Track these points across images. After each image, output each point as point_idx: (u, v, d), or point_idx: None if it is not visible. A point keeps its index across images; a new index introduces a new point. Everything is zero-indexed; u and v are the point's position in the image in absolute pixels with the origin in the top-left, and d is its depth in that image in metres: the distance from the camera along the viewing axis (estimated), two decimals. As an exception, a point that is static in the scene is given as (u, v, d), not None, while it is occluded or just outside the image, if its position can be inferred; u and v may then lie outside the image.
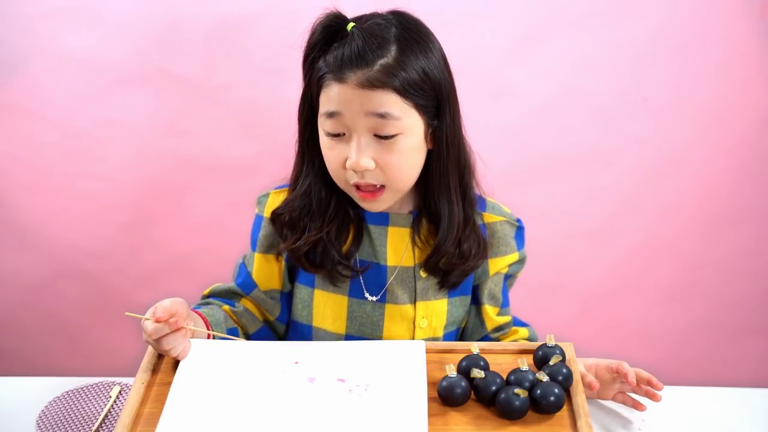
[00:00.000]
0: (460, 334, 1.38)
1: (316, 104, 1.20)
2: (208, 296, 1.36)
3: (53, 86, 1.85)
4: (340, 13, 1.17)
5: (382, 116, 1.14)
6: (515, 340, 1.36)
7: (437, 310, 1.31)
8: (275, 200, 1.32)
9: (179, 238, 1.97)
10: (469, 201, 1.28)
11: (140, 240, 1.97)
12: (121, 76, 1.84)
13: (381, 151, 1.16)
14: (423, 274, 1.29)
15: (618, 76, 1.85)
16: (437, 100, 1.19)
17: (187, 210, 1.95)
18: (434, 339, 1.32)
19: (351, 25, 1.15)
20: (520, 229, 1.35)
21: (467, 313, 1.37)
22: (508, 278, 1.38)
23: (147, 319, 1.09)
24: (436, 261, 1.27)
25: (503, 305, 1.37)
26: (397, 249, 1.29)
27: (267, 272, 1.33)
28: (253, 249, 1.33)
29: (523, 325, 1.41)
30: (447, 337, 1.34)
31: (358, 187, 1.20)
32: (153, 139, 1.88)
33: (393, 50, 1.14)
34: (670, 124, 1.89)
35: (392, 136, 1.15)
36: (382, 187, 1.20)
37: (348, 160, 1.17)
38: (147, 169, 1.91)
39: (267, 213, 1.32)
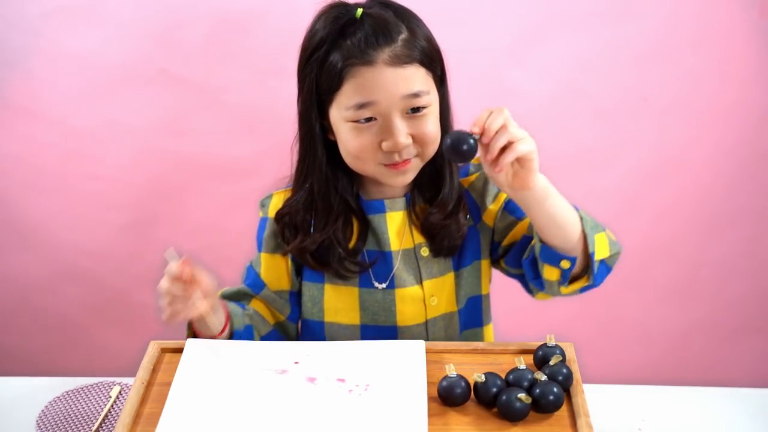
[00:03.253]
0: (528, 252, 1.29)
1: (328, 100, 1.20)
2: None
3: (53, 86, 1.85)
4: (343, 2, 1.20)
5: (416, 95, 1.17)
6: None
7: (444, 285, 1.32)
8: (279, 201, 1.32)
9: (180, 238, 1.97)
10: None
11: (140, 240, 1.97)
12: (121, 76, 1.84)
13: (414, 125, 1.19)
14: (424, 252, 1.30)
15: (617, 76, 1.85)
16: (441, 68, 1.24)
17: (187, 210, 1.95)
18: (450, 314, 1.32)
19: (360, 10, 1.18)
20: None
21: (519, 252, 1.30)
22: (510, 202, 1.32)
23: (178, 261, 1.09)
24: (440, 205, 1.27)
25: (519, 217, 1.30)
26: (398, 233, 1.30)
27: (275, 272, 1.33)
28: (259, 250, 1.34)
29: None
30: (471, 306, 1.34)
31: (392, 164, 1.21)
32: (153, 139, 1.88)
33: (402, 25, 1.18)
34: (670, 124, 1.89)
35: (423, 108, 1.19)
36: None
37: (385, 142, 1.18)
38: (147, 169, 1.91)
39: (271, 214, 1.32)
